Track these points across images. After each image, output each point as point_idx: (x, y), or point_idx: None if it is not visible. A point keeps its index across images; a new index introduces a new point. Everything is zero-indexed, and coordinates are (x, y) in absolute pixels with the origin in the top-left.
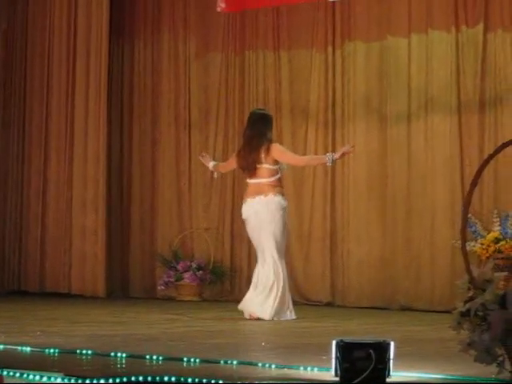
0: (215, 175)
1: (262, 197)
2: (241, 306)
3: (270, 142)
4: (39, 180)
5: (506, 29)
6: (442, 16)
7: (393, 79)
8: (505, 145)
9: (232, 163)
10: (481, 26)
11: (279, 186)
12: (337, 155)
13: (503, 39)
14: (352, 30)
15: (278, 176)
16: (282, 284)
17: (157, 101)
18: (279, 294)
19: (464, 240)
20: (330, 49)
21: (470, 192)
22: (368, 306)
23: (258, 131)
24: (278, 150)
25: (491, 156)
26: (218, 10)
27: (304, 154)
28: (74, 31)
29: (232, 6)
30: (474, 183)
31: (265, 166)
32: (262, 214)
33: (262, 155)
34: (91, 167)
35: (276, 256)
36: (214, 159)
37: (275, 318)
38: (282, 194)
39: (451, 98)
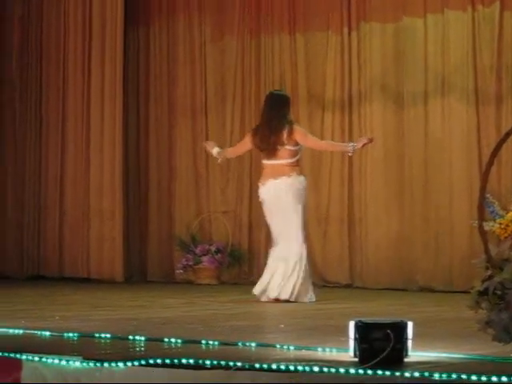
0: (219, 161)
1: (285, 177)
2: (258, 290)
3: (292, 123)
4: (57, 166)
5: None
6: None
7: (409, 60)
8: None
9: (245, 145)
10: (497, 5)
11: (298, 166)
12: (358, 145)
13: None
14: (367, 11)
15: (298, 157)
16: (305, 265)
17: (173, 85)
18: (302, 275)
19: (481, 219)
20: (345, 30)
21: (487, 171)
22: (386, 287)
23: (278, 113)
24: (300, 133)
25: (508, 135)
26: None
27: (321, 137)
28: (89, 17)
29: None
30: (491, 162)
31: (287, 148)
32: (286, 195)
33: (285, 137)
34: (108, 152)
35: (301, 236)
36: (231, 142)
37: (298, 300)
38: (301, 175)
39: (468, 77)
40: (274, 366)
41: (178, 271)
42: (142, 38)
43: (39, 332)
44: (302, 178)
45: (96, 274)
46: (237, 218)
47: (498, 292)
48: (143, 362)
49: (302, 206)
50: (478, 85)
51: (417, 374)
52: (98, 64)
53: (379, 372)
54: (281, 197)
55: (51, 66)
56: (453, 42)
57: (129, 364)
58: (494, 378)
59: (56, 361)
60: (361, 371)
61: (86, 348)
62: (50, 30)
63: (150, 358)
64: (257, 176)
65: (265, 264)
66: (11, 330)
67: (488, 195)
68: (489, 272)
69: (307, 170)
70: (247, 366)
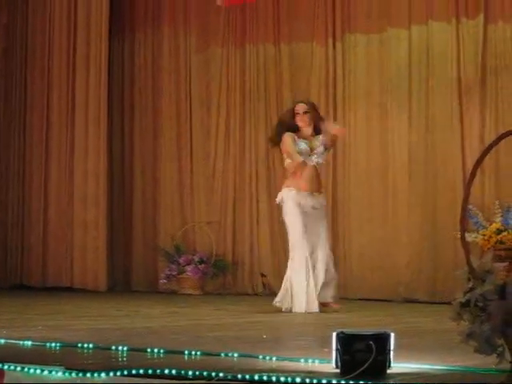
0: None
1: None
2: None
3: (284, 133)
4: (40, 175)
5: (507, 20)
6: (443, 7)
7: (393, 71)
8: (503, 136)
9: None
10: (481, 18)
11: (291, 177)
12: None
13: (503, 30)
14: (352, 22)
15: (294, 166)
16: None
17: (158, 95)
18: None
19: (463, 230)
20: (330, 41)
21: (470, 182)
22: (369, 297)
23: (285, 126)
24: (283, 140)
25: (490, 146)
26: (218, 3)
27: None
28: (74, 26)
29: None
30: (473, 173)
31: (284, 157)
32: None
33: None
34: (92, 161)
35: (293, 250)
36: (215, 153)
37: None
38: (288, 187)
39: (452, 89)
40: (256, 377)
41: (161, 281)
42: (127, 48)
43: (21, 342)
44: (282, 192)
45: (79, 284)
46: (221, 229)
47: (480, 304)
48: (125, 372)
49: (288, 220)
50: (461, 96)
51: None
52: (82, 73)
53: (361, 383)
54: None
55: (36, 74)
56: (437, 54)
57: (111, 374)
58: None
59: (38, 371)
60: (343, 382)
61: (68, 358)
62: (35, 37)
63: (133, 368)
64: (241, 186)
65: (249, 274)
66: None
67: (471, 206)
68: (471, 284)
69: None
70: (229, 377)
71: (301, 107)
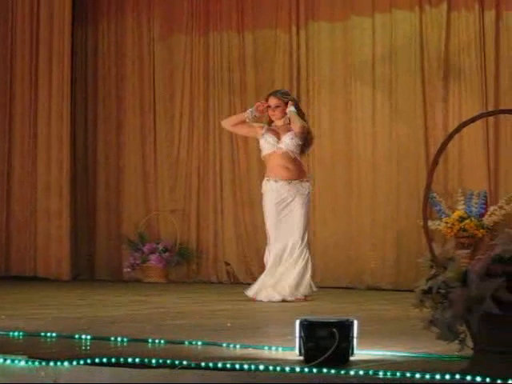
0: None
1: None
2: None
3: None
4: (3, 164)
5: (469, 8)
6: None
7: (357, 59)
8: (463, 124)
9: None
10: (444, 5)
11: (267, 167)
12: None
13: (466, 18)
14: (316, 9)
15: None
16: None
17: (121, 83)
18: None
19: (425, 218)
20: (294, 29)
21: (432, 170)
22: (334, 285)
23: None
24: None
25: (451, 135)
26: None
27: None
28: (36, 15)
29: None
30: (435, 162)
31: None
32: None
33: None
34: (55, 150)
35: (268, 242)
36: (179, 141)
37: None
38: (266, 176)
39: (415, 77)
40: (219, 365)
41: (125, 270)
42: (90, 36)
43: None
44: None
45: (43, 273)
46: (185, 217)
47: (442, 291)
48: (89, 361)
49: (264, 211)
50: (425, 84)
51: (361, 373)
52: (45, 62)
53: (324, 370)
54: None
55: None
56: (400, 42)
57: (74, 363)
58: (438, 376)
59: (1, 360)
60: (306, 370)
61: (31, 347)
62: None
63: (96, 356)
64: (205, 175)
65: (213, 262)
66: None
67: (434, 194)
68: (433, 271)
69: (255, 169)
70: (193, 365)
71: (272, 101)
